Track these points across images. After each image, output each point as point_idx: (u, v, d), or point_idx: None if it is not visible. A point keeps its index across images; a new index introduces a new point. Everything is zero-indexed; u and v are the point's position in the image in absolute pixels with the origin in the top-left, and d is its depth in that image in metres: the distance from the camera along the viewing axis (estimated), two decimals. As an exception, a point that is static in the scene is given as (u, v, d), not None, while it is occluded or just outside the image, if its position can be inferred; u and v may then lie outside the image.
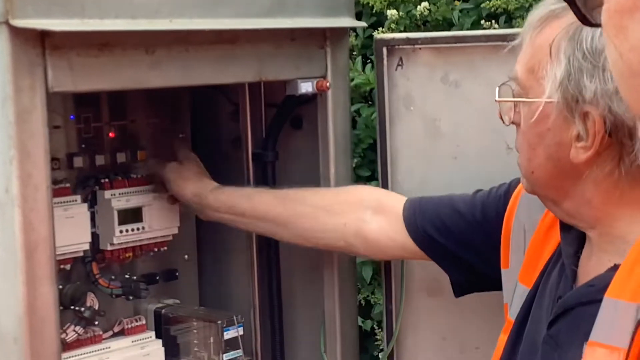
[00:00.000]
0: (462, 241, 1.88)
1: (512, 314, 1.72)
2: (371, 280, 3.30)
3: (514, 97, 1.56)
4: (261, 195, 2.09)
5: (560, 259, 1.62)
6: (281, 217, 2.05)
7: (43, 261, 1.64)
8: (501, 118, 1.60)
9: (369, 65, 2.93)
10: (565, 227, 1.60)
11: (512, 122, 1.59)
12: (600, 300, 1.44)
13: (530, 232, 1.74)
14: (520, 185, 1.79)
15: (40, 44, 1.61)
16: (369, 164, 2.93)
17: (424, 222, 1.91)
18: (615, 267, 1.47)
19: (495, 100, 1.58)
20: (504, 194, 1.83)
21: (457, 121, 2.10)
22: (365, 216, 1.99)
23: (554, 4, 1.50)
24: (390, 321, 2.15)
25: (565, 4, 1.45)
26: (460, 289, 1.97)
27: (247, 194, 2.11)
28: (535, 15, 1.53)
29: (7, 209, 1.61)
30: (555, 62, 1.45)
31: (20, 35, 1.58)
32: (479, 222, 1.85)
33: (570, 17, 1.43)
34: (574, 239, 1.58)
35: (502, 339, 1.72)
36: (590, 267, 1.54)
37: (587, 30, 1.42)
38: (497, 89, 1.59)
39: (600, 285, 1.46)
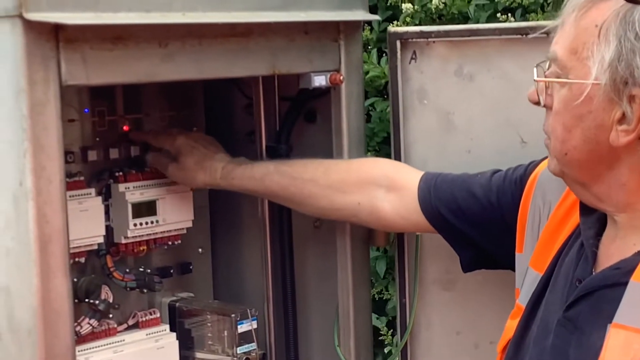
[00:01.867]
0: (476, 224, 1.88)
1: (522, 300, 1.72)
2: (385, 274, 3.30)
3: (545, 78, 1.55)
4: (272, 176, 2.08)
5: (575, 242, 1.62)
6: (295, 197, 2.07)
7: (57, 253, 1.64)
8: (537, 100, 1.58)
9: (384, 59, 2.93)
10: (585, 211, 1.60)
11: (544, 105, 1.57)
12: (625, 284, 1.46)
13: (545, 217, 1.74)
14: (538, 169, 1.80)
15: (54, 37, 1.61)
16: (385, 157, 2.92)
17: (439, 203, 1.91)
18: None
19: (535, 80, 1.56)
20: (520, 178, 1.83)
21: (471, 115, 2.09)
22: (379, 195, 2.00)
23: None
24: (404, 315, 2.15)
25: None
26: (468, 267, 1.98)
27: (258, 176, 2.09)
28: None
29: (21, 201, 1.61)
30: (603, 43, 1.44)
31: (34, 29, 1.58)
32: (494, 206, 1.85)
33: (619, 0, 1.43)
34: (595, 222, 1.59)
35: (511, 324, 1.72)
36: (613, 250, 1.54)
37: (639, 13, 1.42)
38: (535, 69, 1.57)
39: (626, 269, 1.48)
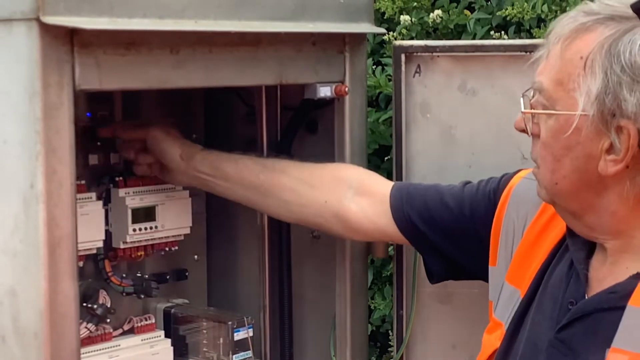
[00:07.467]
0: (448, 235, 1.88)
1: (498, 314, 1.74)
2: (371, 285, 3.30)
3: (531, 108, 1.57)
4: (246, 161, 2.07)
5: (560, 261, 1.64)
6: (263, 185, 2.03)
7: (65, 257, 1.64)
8: (524, 130, 1.60)
9: (378, 69, 2.94)
10: (573, 232, 1.62)
11: (531, 134, 1.59)
12: (622, 308, 1.47)
13: (519, 231, 1.76)
14: (512, 183, 1.81)
15: (69, 41, 1.61)
16: (374, 169, 2.92)
17: (412, 211, 1.90)
18: (638, 275, 1.49)
19: (522, 112, 1.58)
20: (494, 191, 1.84)
21: (473, 130, 2.11)
22: (347, 196, 1.97)
23: (583, 17, 1.50)
24: (401, 327, 2.16)
25: (597, 17, 1.48)
26: (437, 277, 1.99)
27: (233, 157, 2.08)
28: (562, 27, 1.52)
29: (32, 204, 1.61)
30: (589, 75, 1.46)
31: (50, 32, 1.58)
32: (467, 217, 1.85)
33: (606, 30, 1.45)
34: (584, 243, 1.60)
35: (488, 340, 1.73)
36: (604, 273, 1.56)
37: (624, 44, 1.44)
38: (521, 99, 1.59)
39: (622, 293, 1.49)
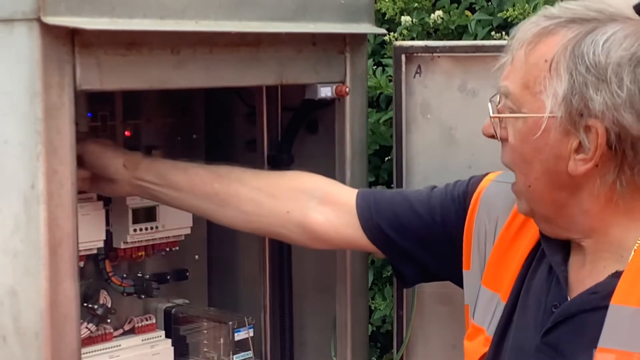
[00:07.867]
0: (419, 241, 1.87)
1: (478, 320, 1.74)
2: (372, 285, 3.30)
3: (498, 112, 1.58)
4: (197, 169, 1.97)
5: (540, 265, 1.64)
6: (218, 195, 1.94)
7: (66, 257, 1.64)
8: (493, 135, 1.60)
9: (379, 69, 2.94)
10: (547, 237, 1.62)
11: (500, 138, 1.60)
12: (604, 307, 1.47)
13: (491, 235, 1.76)
14: (481, 186, 1.82)
15: (70, 41, 1.61)
16: (374, 170, 2.94)
17: (381, 220, 1.88)
18: (617, 274, 1.50)
19: (491, 117, 1.59)
20: (463, 194, 1.84)
21: (473, 130, 2.09)
22: (311, 205, 1.92)
23: (545, 21, 1.52)
24: (401, 328, 2.16)
25: (558, 20, 1.52)
26: (411, 282, 1.99)
27: (182, 166, 1.99)
28: (525, 32, 1.54)
29: (32, 204, 1.61)
30: (555, 77, 1.48)
31: (51, 33, 1.58)
32: (438, 223, 1.84)
33: (568, 33, 1.47)
34: (559, 247, 1.61)
35: (471, 347, 1.74)
36: (584, 274, 1.57)
37: (587, 45, 1.46)
38: (489, 104, 1.60)
39: (603, 292, 1.50)
